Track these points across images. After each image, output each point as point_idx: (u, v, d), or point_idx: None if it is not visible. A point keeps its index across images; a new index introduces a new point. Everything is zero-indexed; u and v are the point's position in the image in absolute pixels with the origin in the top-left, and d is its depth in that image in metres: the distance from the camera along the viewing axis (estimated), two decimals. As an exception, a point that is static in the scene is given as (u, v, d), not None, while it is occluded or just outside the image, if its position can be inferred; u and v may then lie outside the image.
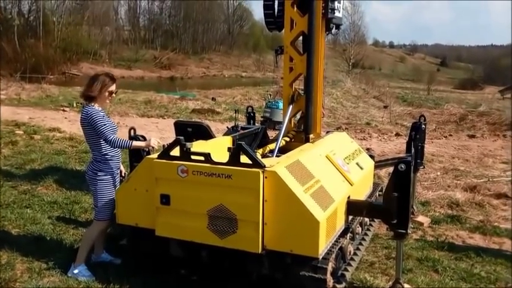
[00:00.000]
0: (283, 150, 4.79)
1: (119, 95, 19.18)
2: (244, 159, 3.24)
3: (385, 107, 24.18)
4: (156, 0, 63.89)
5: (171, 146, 3.45)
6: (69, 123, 11.71)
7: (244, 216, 3.21)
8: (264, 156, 4.70)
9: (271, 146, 4.93)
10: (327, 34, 5.33)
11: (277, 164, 3.28)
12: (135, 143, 3.78)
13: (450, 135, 13.94)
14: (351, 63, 46.59)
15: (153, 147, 3.81)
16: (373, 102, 27.13)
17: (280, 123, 12.62)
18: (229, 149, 3.29)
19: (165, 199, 3.44)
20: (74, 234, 4.63)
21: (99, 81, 3.75)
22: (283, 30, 5.17)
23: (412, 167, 3.43)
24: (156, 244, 3.62)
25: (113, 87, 3.85)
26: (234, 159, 3.25)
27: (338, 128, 13.70)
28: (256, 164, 3.18)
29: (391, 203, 3.42)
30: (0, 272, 3.76)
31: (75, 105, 15.31)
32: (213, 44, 68.36)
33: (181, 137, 3.44)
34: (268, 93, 16.57)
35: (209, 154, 3.34)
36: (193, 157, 3.38)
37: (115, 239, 4.27)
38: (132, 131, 4.30)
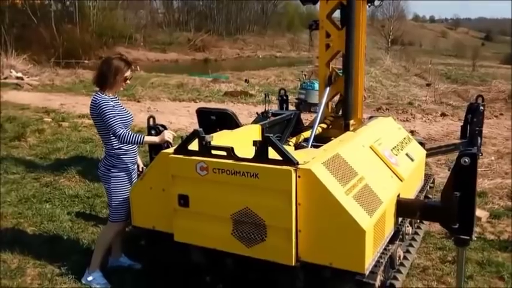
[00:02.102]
0: (319, 139, 4.25)
1: (151, 78, 18.99)
2: (273, 153, 2.73)
3: (428, 85, 22.91)
4: (190, -18, 63.38)
5: (189, 138, 2.97)
6: (100, 109, 11.49)
7: (274, 222, 2.71)
8: (297, 146, 4.18)
9: (306, 134, 4.38)
10: (369, 6, 4.69)
11: (312, 160, 2.75)
12: (148, 139, 3.35)
13: (501, 114, 12.85)
14: (390, 40, 44.80)
15: (168, 143, 3.35)
16: (415, 80, 25.80)
17: (316, 105, 11.95)
18: (255, 143, 2.77)
19: (183, 200, 2.98)
20: (92, 233, 4.28)
21: (114, 66, 3.32)
22: (318, 3, 4.57)
23: (477, 161, 2.84)
24: (175, 250, 3.19)
25: (128, 73, 3.41)
26: (260, 155, 2.74)
27: (378, 109, 12.93)
28: (288, 160, 2.66)
29: (451, 204, 2.84)
30: (10, 279, 3.44)
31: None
32: (247, 24, 67.37)
33: (200, 129, 2.96)
34: (303, 73, 15.79)
35: (232, 148, 2.84)
36: (214, 152, 2.90)
37: (135, 239, 3.89)
38: (151, 120, 3.89)
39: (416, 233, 3.96)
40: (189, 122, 10.14)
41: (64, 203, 4.97)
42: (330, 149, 3.05)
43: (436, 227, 4.52)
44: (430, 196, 4.51)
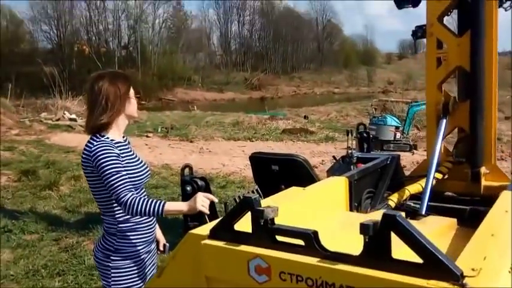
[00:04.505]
0: (433, 196, 2.81)
1: (206, 117, 18.21)
2: (398, 244, 1.35)
3: (507, 118, 20.58)
4: (246, 24, 64.58)
5: (235, 212, 1.67)
6: (148, 151, 10.62)
7: None
8: (402, 209, 2.76)
9: (412, 189, 2.95)
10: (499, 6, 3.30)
11: (486, 266, 1.33)
12: (170, 207, 2.06)
13: None
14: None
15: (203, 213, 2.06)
16: (492, 113, 23.36)
17: (389, 142, 10.34)
18: (364, 228, 1.39)
19: (227, 323, 1.65)
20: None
21: (104, 90, 2.10)
22: (423, 3, 3.25)
23: None
24: None
25: (131, 91, 2.22)
26: (377, 251, 1.37)
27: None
28: (438, 266, 1.27)
29: None
30: None
31: (159, 130, 14.44)
32: (303, 62, 67.03)
33: (254, 195, 1.64)
34: (372, 107, 14.25)
35: (315, 234, 1.50)
36: (280, 238, 1.57)
37: None
38: (186, 171, 2.68)
39: None
40: (244, 164, 8.94)
41: (79, 279, 3.80)
42: (500, 233, 1.62)
43: None
44: None
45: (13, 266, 4.08)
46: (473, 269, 1.29)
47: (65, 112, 15.95)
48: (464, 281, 1.23)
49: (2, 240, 4.69)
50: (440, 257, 1.27)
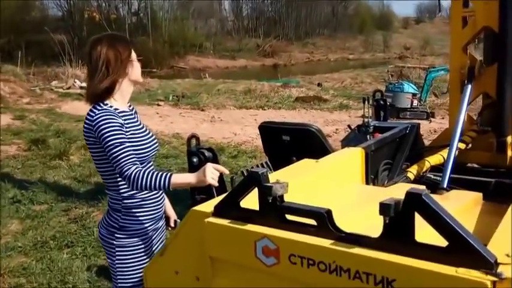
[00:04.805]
0: (455, 168, 2.63)
1: (217, 85, 17.98)
2: (420, 228, 1.20)
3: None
4: (258, -12, 63.08)
5: (241, 188, 1.53)
6: (159, 120, 10.50)
7: None
8: (422, 181, 2.60)
9: (433, 160, 2.78)
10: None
11: (523, 249, 1.18)
12: (177, 180, 1.91)
13: None
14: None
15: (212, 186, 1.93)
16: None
17: (406, 109, 10.04)
18: (385, 209, 1.24)
19: (232, 306, 1.54)
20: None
21: (103, 54, 1.95)
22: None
23: None
24: None
25: (133, 54, 2.05)
26: (399, 234, 1.22)
27: None
28: (466, 250, 1.12)
29: None
30: None
31: (170, 98, 14.28)
32: (317, 27, 65.52)
33: (262, 170, 1.50)
34: (388, 73, 13.80)
35: (329, 213, 1.36)
36: (290, 217, 1.43)
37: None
38: (192, 141, 2.55)
39: None
40: (255, 133, 8.79)
41: (87, 251, 3.75)
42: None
43: None
44: None
45: (21, 237, 4.07)
46: (508, 255, 1.14)
47: (76, 80, 15.86)
48: (498, 270, 1.08)
49: (11, 210, 4.67)
50: (472, 242, 1.12)
